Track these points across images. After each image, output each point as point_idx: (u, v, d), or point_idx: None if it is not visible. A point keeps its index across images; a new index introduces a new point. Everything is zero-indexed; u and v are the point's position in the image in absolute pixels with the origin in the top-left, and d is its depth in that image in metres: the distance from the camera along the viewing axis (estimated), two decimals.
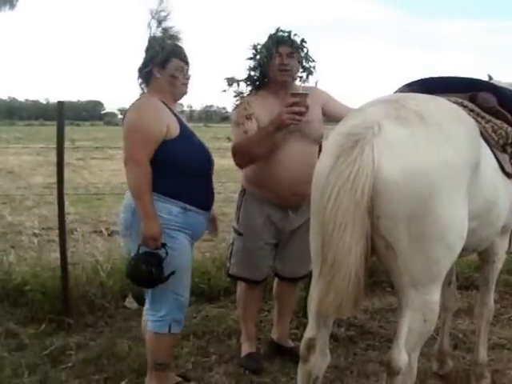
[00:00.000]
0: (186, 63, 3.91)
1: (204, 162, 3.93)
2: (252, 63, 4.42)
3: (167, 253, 3.63)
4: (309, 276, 4.59)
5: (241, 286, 4.75)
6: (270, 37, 4.37)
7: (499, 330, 5.46)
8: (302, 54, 4.42)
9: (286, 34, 4.37)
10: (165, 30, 3.90)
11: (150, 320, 3.90)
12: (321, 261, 2.98)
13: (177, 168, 3.72)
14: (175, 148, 3.71)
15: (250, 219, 4.47)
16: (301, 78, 4.51)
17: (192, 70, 3.96)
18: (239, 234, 4.55)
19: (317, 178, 3.15)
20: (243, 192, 4.54)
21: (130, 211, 3.73)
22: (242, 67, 4.46)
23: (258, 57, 4.37)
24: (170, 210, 3.70)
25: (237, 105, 4.41)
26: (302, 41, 4.41)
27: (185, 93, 3.97)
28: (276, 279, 4.91)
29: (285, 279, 4.77)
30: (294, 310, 5.14)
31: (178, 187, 3.73)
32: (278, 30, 4.38)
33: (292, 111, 3.94)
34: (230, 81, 4.41)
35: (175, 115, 3.84)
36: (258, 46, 4.39)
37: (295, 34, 4.39)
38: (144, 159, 3.62)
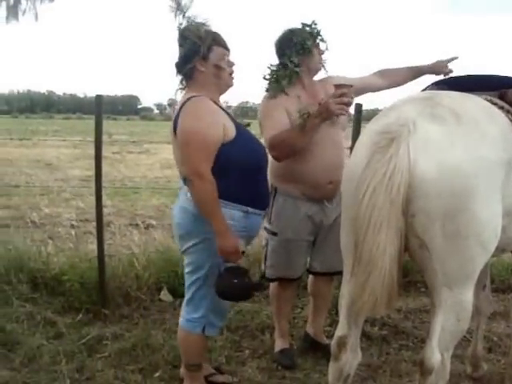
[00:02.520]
0: (228, 49, 3.76)
1: (260, 157, 3.83)
2: (291, 55, 4.32)
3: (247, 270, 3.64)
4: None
5: (274, 284, 4.73)
6: (310, 28, 4.37)
7: None
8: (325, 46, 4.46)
9: (318, 27, 4.38)
10: (190, 19, 3.75)
11: (184, 317, 3.90)
12: (353, 260, 2.99)
13: (237, 170, 3.60)
14: (234, 150, 3.57)
15: (285, 217, 4.41)
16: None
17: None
18: (273, 233, 4.49)
19: (350, 174, 3.14)
20: (274, 191, 4.43)
21: (190, 217, 3.65)
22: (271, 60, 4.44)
23: (301, 47, 4.30)
24: (232, 215, 3.61)
25: (265, 97, 4.41)
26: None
27: (231, 85, 3.84)
28: (310, 276, 4.88)
29: (321, 275, 4.74)
30: (329, 306, 5.12)
31: (240, 190, 3.63)
32: (313, 22, 4.38)
33: (341, 102, 3.97)
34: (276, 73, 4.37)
35: (226, 112, 3.74)
36: (296, 39, 4.31)
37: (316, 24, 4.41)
38: (208, 172, 3.48)
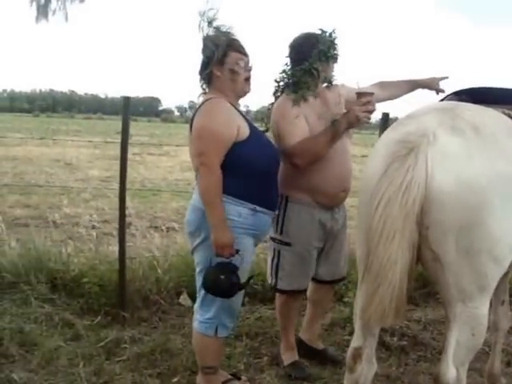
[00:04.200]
0: (245, 55, 3.85)
1: (272, 162, 3.89)
2: (312, 61, 4.26)
3: (242, 257, 3.66)
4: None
5: (283, 296, 4.66)
6: (328, 38, 4.31)
7: None
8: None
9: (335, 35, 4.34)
10: (217, 29, 3.84)
11: (198, 320, 3.93)
12: (364, 268, 2.99)
13: (247, 170, 3.69)
14: (246, 150, 3.67)
15: (300, 226, 4.37)
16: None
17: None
18: (286, 244, 4.42)
19: (366, 182, 3.12)
20: (285, 200, 4.37)
21: (200, 213, 3.71)
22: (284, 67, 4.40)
23: (323, 54, 4.27)
24: (239, 211, 3.69)
25: (282, 102, 4.33)
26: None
27: (248, 91, 3.92)
28: (312, 283, 4.78)
29: (324, 283, 4.72)
30: (326, 312, 5.17)
31: (248, 188, 3.71)
32: (333, 31, 4.32)
33: (367, 109, 4.01)
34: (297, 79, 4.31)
35: (243, 115, 3.83)
36: (317, 48, 4.25)
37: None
38: (216, 165, 3.58)
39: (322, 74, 4.30)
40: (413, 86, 4.88)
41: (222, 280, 3.56)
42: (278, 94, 4.44)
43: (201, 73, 3.88)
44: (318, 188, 4.29)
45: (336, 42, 4.32)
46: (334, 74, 4.44)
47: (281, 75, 4.39)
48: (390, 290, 2.76)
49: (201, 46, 3.84)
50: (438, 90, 4.74)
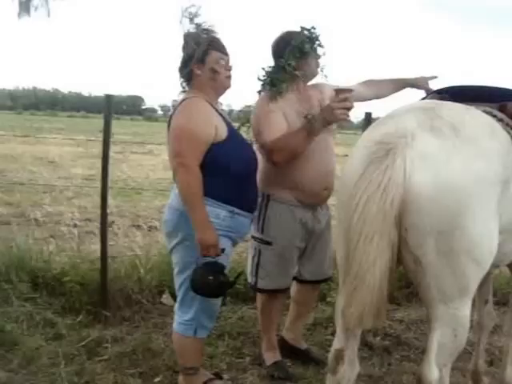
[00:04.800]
0: (226, 54, 3.84)
1: (250, 163, 3.88)
2: (288, 58, 4.28)
3: (239, 274, 3.73)
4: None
5: (265, 296, 4.65)
6: (308, 32, 4.32)
7: None
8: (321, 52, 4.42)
9: (317, 31, 4.34)
10: (198, 26, 3.81)
11: (177, 321, 3.92)
12: (344, 270, 2.98)
13: (225, 171, 3.66)
14: (224, 151, 3.65)
15: (281, 225, 4.36)
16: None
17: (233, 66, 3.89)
18: (267, 243, 4.41)
19: (345, 182, 3.07)
20: (266, 199, 4.38)
21: (177, 214, 3.69)
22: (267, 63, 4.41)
23: (299, 50, 4.27)
24: (217, 213, 3.66)
25: (261, 99, 4.37)
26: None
27: (228, 86, 3.90)
28: (295, 283, 4.80)
29: (308, 282, 4.71)
30: (310, 312, 5.17)
31: (227, 190, 3.67)
32: (313, 27, 4.33)
33: (345, 106, 3.95)
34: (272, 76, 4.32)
35: (222, 116, 3.79)
36: (294, 42, 4.27)
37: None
38: (194, 165, 3.55)
39: (301, 70, 4.30)
40: (401, 84, 4.82)
41: (211, 280, 3.54)
42: (261, 91, 4.43)
43: (181, 71, 3.86)
44: (299, 186, 4.27)
45: (314, 38, 4.31)
46: (318, 69, 4.40)
47: (261, 73, 4.39)
48: (370, 291, 2.72)
49: (182, 43, 3.82)
50: (427, 90, 4.64)
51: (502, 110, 3.65)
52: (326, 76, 4.47)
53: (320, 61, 4.41)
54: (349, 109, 3.99)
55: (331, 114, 3.98)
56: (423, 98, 4.27)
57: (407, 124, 2.89)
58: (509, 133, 3.43)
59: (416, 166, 2.71)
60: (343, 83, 4.55)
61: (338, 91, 4.01)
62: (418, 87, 4.72)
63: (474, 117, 3.16)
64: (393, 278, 2.85)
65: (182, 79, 3.89)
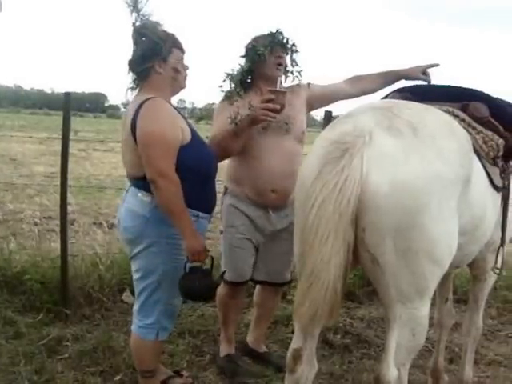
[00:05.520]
0: (184, 52, 3.71)
1: (211, 165, 3.78)
2: (245, 61, 4.37)
3: (212, 259, 3.65)
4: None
5: (222, 289, 4.59)
6: (270, 35, 4.31)
7: (496, 347, 5.42)
8: (293, 57, 4.40)
9: (285, 36, 4.33)
10: (145, 17, 3.63)
11: (137, 325, 3.82)
12: (299, 269, 2.97)
13: (190, 174, 3.50)
14: (189, 154, 3.50)
15: (228, 216, 4.42)
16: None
17: (192, 65, 3.79)
18: (221, 232, 4.53)
19: (301, 183, 3.06)
20: (224, 191, 4.50)
21: (142, 220, 3.56)
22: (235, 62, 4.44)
23: (254, 53, 4.29)
24: None
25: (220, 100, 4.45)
26: (293, 45, 4.37)
27: (184, 87, 3.78)
28: (258, 286, 4.84)
29: (266, 285, 4.70)
30: (273, 315, 5.14)
31: (192, 194, 3.50)
32: (277, 31, 4.32)
33: (266, 107, 3.88)
34: (230, 77, 4.38)
35: (183, 117, 3.67)
36: (255, 43, 4.31)
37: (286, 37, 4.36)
38: (172, 172, 3.40)
39: (257, 72, 4.35)
40: (393, 77, 4.59)
41: (201, 285, 3.51)
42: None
43: (134, 66, 3.64)
44: (244, 181, 4.33)
45: (277, 41, 4.29)
46: (278, 71, 4.31)
47: (224, 74, 4.41)
48: (323, 290, 2.71)
49: (133, 34, 3.64)
50: (425, 80, 4.48)
51: (463, 109, 3.67)
52: (297, 77, 4.44)
53: (289, 63, 4.40)
54: (272, 110, 3.90)
55: (254, 114, 3.96)
56: (384, 97, 4.25)
57: (365, 123, 2.88)
58: (470, 133, 3.47)
59: (373, 166, 2.70)
60: (324, 81, 4.53)
61: (269, 91, 3.96)
62: (413, 78, 4.50)
63: (434, 116, 3.16)
64: (348, 278, 2.84)
65: (134, 76, 3.67)
